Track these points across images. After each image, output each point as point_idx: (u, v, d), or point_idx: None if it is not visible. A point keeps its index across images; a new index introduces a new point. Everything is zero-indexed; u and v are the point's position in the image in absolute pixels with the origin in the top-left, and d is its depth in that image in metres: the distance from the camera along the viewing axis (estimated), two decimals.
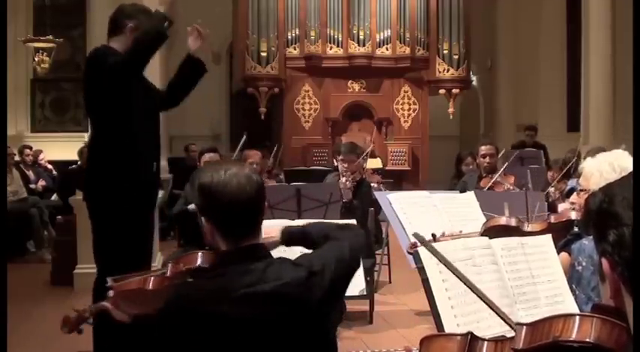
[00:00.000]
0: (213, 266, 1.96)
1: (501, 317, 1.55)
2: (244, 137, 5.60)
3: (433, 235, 3.31)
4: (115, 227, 3.56)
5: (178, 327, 1.80)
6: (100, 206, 3.64)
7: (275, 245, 2.17)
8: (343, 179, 5.79)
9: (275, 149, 9.02)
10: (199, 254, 2.27)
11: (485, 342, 1.43)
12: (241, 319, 1.78)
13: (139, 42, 3.55)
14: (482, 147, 6.29)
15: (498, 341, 1.45)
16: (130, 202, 3.58)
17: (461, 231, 3.48)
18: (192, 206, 5.04)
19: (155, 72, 7.96)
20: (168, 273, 2.28)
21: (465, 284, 1.66)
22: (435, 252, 1.79)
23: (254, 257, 1.87)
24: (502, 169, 6.05)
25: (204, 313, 1.78)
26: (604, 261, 1.14)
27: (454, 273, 1.70)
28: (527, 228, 3.42)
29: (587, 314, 1.31)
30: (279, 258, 1.93)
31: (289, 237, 2.23)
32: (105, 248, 3.60)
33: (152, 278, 2.30)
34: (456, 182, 7.36)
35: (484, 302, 1.60)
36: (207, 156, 5.47)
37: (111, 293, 2.30)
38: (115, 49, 3.65)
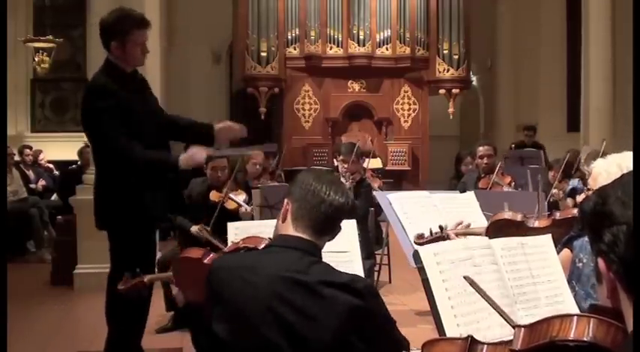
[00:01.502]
0: (274, 242, 2.06)
1: (505, 319, 1.56)
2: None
3: (440, 227, 3.32)
4: (130, 238, 3.64)
5: (215, 284, 1.96)
6: (117, 223, 3.69)
7: None
8: (343, 180, 5.79)
9: (277, 155, 8.98)
10: (264, 239, 2.41)
11: (485, 346, 1.44)
12: (275, 296, 1.87)
13: (148, 163, 3.58)
14: (480, 148, 6.30)
15: (498, 344, 1.45)
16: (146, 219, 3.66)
17: (469, 225, 3.48)
18: (194, 228, 4.99)
19: (155, 72, 7.98)
20: (227, 250, 2.53)
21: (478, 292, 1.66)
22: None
23: (309, 252, 1.97)
24: (497, 169, 6.05)
25: (239, 277, 1.91)
26: (600, 261, 1.15)
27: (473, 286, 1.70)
28: (533, 224, 3.41)
29: (584, 314, 1.32)
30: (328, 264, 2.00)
31: None
32: (121, 252, 3.68)
33: (212, 253, 2.53)
34: (456, 182, 7.38)
35: (492, 306, 1.60)
36: (214, 162, 5.34)
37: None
38: (109, 88, 3.55)
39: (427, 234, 3.35)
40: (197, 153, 3.63)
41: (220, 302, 1.92)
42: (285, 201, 2.05)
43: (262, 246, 2.36)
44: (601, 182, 2.72)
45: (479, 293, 1.65)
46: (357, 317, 1.85)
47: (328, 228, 2.03)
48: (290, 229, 2.01)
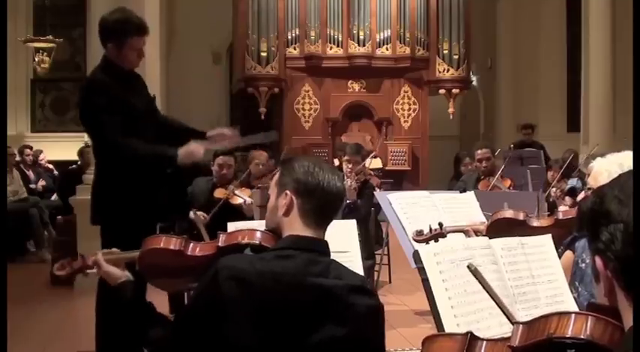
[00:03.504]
0: (286, 244, 1.93)
1: (505, 314, 1.56)
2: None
3: (440, 224, 3.33)
4: (124, 235, 3.55)
5: (234, 294, 1.81)
6: (112, 225, 3.62)
7: None
8: (348, 181, 5.76)
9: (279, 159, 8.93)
10: (259, 232, 2.20)
11: (485, 342, 1.45)
12: (297, 304, 1.82)
13: (145, 157, 3.54)
14: (478, 152, 6.31)
15: (497, 340, 1.46)
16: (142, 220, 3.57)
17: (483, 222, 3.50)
18: (192, 213, 5.01)
19: (155, 72, 7.98)
20: (221, 243, 2.22)
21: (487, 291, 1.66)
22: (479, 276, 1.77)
23: (324, 251, 1.95)
24: (499, 173, 6.06)
25: (265, 290, 1.81)
26: (597, 260, 1.16)
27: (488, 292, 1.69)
28: (535, 223, 3.41)
29: (581, 312, 1.32)
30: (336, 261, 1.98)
31: None
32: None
33: (196, 244, 2.28)
34: (455, 182, 7.38)
35: (499, 306, 1.61)
36: (220, 159, 5.31)
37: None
38: (107, 84, 3.54)
39: (426, 230, 3.36)
40: (195, 149, 3.56)
41: (244, 308, 1.80)
42: (285, 192, 1.95)
43: (258, 237, 2.17)
44: (601, 181, 2.72)
45: (481, 283, 1.66)
46: (373, 315, 1.92)
47: (331, 219, 2.00)
48: (298, 227, 1.93)
